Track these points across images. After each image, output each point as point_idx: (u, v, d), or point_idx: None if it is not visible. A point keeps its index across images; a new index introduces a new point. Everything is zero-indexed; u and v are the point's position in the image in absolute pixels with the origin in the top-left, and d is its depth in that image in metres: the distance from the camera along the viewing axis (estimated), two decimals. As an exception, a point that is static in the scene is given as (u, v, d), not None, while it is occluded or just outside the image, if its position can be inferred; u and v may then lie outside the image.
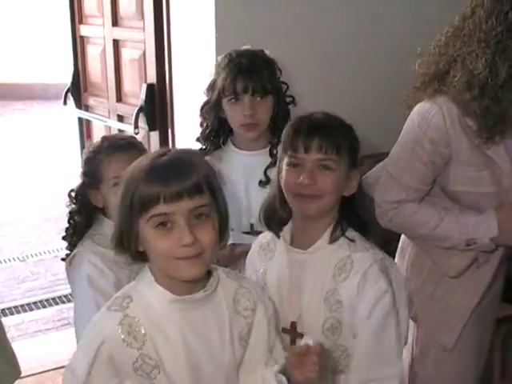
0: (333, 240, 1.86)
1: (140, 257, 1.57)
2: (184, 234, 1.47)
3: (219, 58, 2.45)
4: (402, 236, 2.43)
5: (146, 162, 1.52)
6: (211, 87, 2.44)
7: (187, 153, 1.60)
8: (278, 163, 1.94)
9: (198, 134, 2.54)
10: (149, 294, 1.57)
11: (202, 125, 2.51)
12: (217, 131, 2.45)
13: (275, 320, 1.73)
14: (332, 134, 1.82)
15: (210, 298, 1.59)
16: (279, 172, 1.90)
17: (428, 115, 2.07)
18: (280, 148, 1.95)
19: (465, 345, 2.28)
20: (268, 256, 1.96)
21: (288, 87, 2.49)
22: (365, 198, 1.96)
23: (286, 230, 1.93)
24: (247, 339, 1.64)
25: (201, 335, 1.57)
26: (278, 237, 1.94)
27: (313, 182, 1.80)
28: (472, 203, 2.12)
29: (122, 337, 1.53)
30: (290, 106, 2.47)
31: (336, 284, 1.83)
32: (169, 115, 3.76)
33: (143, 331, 1.54)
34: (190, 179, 1.48)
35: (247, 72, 2.33)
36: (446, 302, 2.23)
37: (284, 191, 1.88)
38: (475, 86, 1.98)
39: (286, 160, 1.86)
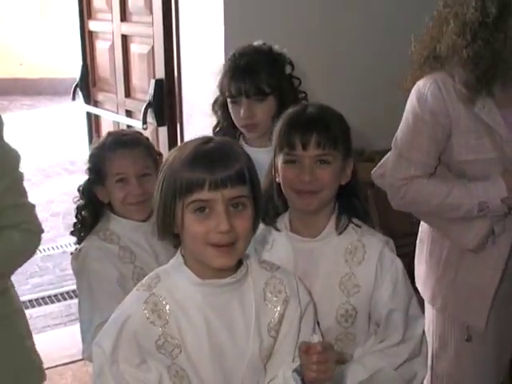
0: (341, 230, 1.87)
1: (176, 240, 1.60)
2: (221, 221, 1.49)
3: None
4: (420, 228, 2.48)
5: (189, 148, 1.53)
6: (219, 85, 2.43)
7: (230, 142, 1.63)
8: (272, 158, 1.92)
9: (209, 129, 2.53)
10: (176, 275, 1.60)
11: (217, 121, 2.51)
12: (228, 128, 2.44)
13: (312, 313, 1.71)
14: (329, 129, 1.81)
15: (236, 285, 1.60)
16: (275, 168, 1.89)
17: (424, 89, 2.16)
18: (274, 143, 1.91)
19: (484, 336, 2.30)
20: (265, 247, 1.95)
21: (300, 82, 2.46)
22: (359, 184, 1.95)
23: (285, 221, 1.92)
24: (278, 330, 1.64)
25: (225, 321, 1.58)
26: (277, 229, 1.93)
27: (313, 178, 1.80)
28: (477, 173, 2.17)
29: (147, 315, 1.56)
30: (302, 102, 2.44)
31: (350, 268, 1.84)
32: (177, 110, 3.76)
33: (167, 310, 1.57)
34: (233, 168, 1.51)
35: (241, 74, 2.30)
36: (469, 285, 2.26)
37: (282, 188, 1.87)
38: (467, 32, 2.05)
39: (281, 157, 1.85)
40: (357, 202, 1.91)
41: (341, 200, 1.89)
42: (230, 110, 2.38)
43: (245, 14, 3.24)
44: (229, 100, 2.36)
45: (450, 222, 2.24)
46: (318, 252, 1.87)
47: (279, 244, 1.92)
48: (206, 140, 1.56)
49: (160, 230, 1.59)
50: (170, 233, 1.57)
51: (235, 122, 2.39)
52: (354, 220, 1.89)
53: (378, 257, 1.84)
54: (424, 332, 1.89)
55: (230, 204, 1.51)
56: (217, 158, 1.50)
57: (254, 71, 2.31)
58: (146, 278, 1.65)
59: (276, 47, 2.42)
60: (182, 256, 1.61)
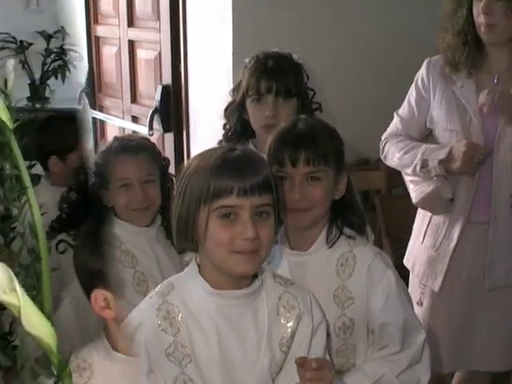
0: (331, 242, 1.82)
1: (195, 246, 1.58)
2: (247, 228, 1.48)
3: (247, 59, 2.43)
4: None
5: (215, 155, 1.52)
6: (237, 88, 2.42)
7: (253, 151, 1.66)
8: None
9: (215, 136, 2.51)
10: (190, 283, 1.59)
11: (225, 127, 2.48)
12: (239, 133, 2.43)
13: (324, 332, 1.69)
14: (318, 145, 1.77)
15: (251, 298, 1.59)
16: None
17: (421, 68, 2.49)
18: None
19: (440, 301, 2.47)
20: (267, 260, 1.92)
21: (315, 93, 2.46)
22: (355, 196, 1.93)
23: (282, 235, 1.90)
24: (289, 345, 1.62)
25: (236, 333, 1.57)
26: (276, 242, 1.90)
27: (303, 196, 1.77)
28: (446, 142, 2.39)
29: (158, 322, 1.54)
30: (316, 113, 2.44)
31: (342, 281, 1.81)
32: (184, 117, 3.75)
33: (180, 319, 1.55)
34: (261, 175, 1.51)
35: (272, 72, 2.30)
36: (431, 249, 2.47)
37: None
38: (443, 22, 2.41)
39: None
40: (352, 216, 1.88)
41: (335, 213, 1.86)
42: (251, 111, 2.35)
43: (253, 20, 3.23)
44: (251, 99, 2.34)
45: (410, 177, 2.49)
46: (310, 265, 1.84)
47: (277, 258, 1.89)
48: (231, 148, 1.56)
49: (181, 235, 1.57)
50: (191, 239, 1.55)
51: (255, 122, 2.36)
52: (348, 231, 1.85)
53: (367, 269, 1.79)
54: (425, 339, 1.87)
55: (255, 212, 1.50)
56: (245, 165, 1.50)
57: (283, 71, 2.32)
58: (160, 285, 1.63)
59: (295, 56, 2.43)
60: (198, 265, 1.60)
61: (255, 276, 1.61)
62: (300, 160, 1.76)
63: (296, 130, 1.82)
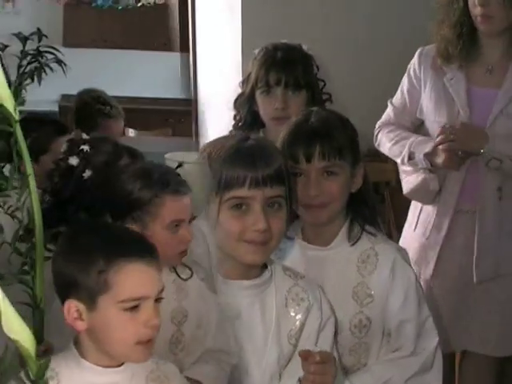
0: (354, 239, 1.79)
1: None
2: (259, 219, 1.49)
3: (256, 50, 2.42)
4: None
5: (229, 143, 1.53)
6: (246, 79, 2.41)
7: (267, 140, 1.66)
8: None
9: (224, 127, 2.51)
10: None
11: (235, 117, 2.48)
12: (249, 124, 2.42)
13: (332, 329, 1.68)
14: (333, 139, 1.73)
15: (259, 289, 1.59)
16: None
17: (414, 57, 2.48)
18: None
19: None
20: (277, 255, 1.90)
21: (325, 84, 2.45)
22: (369, 188, 1.89)
23: (297, 230, 1.85)
24: (298, 338, 1.62)
25: (244, 324, 1.57)
26: (287, 237, 1.86)
27: (320, 192, 1.72)
28: (434, 134, 2.38)
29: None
30: (326, 104, 2.42)
31: (363, 277, 1.78)
32: (192, 109, 3.75)
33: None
34: (273, 166, 1.51)
35: (281, 64, 2.29)
36: (423, 237, 2.46)
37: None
38: (436, 14, 2.40)
39: None
40: (366, 209, 1.84)
41: (349, 207, 1.82)
42: (260, 102, 2.34)
43: (263, 10, 3.22)
44: (261, 91, 2.33)
45: (403, 168, 2.51)
46: (329, 261, 1.80)
47: (291, 252, 1.85)
48: (244, 137, 1.56)
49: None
50: None
51: (265, 114, 2.35)
52: (368, 228, 1.82)
53: (391, 266, 1.76)
54: (438, 347, 1.82)
55: (267, 203, 1.50)
56: (258, 155, 1.50)
57: (292, 63, 2.31)
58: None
59: (305, 47, 2.42)
60: None
61: (265, 267, 1.60)
62: (315, 155, 1.71)
63: (309, 123, 1.77)
